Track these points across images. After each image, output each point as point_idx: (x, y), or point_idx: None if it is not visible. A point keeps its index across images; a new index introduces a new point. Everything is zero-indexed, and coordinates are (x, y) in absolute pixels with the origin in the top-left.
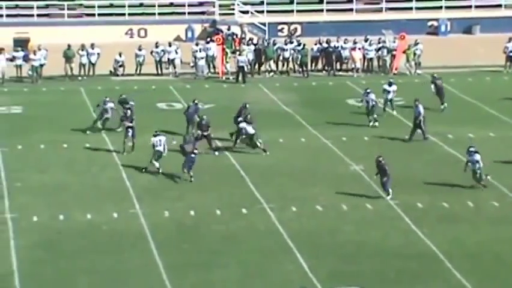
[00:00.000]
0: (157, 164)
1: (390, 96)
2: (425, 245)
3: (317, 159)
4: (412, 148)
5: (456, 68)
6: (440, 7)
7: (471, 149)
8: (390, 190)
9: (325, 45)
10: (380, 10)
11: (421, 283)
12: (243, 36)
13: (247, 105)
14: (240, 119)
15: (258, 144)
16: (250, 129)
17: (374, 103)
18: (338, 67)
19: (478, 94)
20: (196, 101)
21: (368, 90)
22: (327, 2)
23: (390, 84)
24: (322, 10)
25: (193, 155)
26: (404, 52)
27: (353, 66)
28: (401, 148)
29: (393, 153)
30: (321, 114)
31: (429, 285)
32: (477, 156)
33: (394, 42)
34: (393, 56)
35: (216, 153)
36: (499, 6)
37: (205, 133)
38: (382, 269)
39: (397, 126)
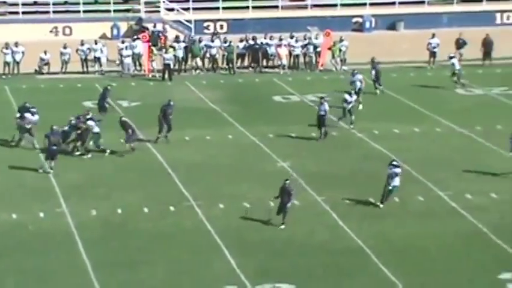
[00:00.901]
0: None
1: (358, 86)
2: (352, 240)
3: (244, 157)
4: (339, 144)
5: (380, 64)
6: (365, 4)
7: (394, 162)
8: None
9: (251, 42)
10: (305, 7)
11: (348, 278)
12: (165, 33)
13: (172, 103)
14: (88, 116)
15: (101, 146)
16: (96, 129)
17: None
18: (264, 64)
19: (402, 90)
20: (108, 87)
21: (357, 76)
22: None
23: (353, 75)
24: (248, 7)
25: (54, 147)
26: (329, 49)
27: (279, 63)
28: (327, 144)
29: (320, 149)
30: (248, 111)
31: (356, 279)
32: (397, 170)
33: (317, 38)
34: (319, 53)
35: (89, 155)
36: (422, 2)
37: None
38: (310, 264)
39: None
